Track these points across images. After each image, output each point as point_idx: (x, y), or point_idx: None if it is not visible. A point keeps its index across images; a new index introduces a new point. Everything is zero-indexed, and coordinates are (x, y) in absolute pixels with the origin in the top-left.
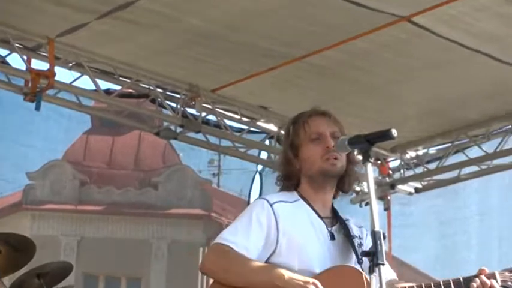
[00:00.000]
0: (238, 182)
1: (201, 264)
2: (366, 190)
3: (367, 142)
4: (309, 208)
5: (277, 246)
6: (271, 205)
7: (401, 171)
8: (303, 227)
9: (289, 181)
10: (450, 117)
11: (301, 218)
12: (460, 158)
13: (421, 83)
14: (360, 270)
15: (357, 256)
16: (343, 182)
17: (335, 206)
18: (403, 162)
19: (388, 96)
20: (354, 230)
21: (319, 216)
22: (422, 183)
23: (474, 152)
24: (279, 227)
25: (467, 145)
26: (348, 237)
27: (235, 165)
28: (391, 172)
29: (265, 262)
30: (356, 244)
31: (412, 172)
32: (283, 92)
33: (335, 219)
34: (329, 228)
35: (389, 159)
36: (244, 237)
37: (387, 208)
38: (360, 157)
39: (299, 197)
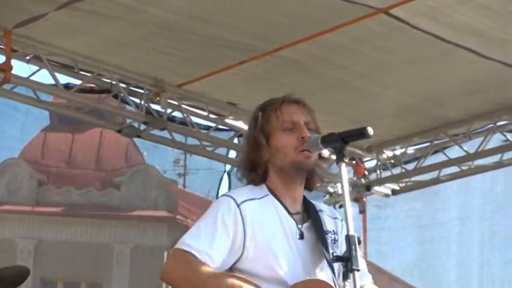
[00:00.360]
0: (205, 182)
1: (162, 271)
2: (340, 191)
3: (341, 141)
4: (279, 204)
5: (244, 251)
6: (238, 205)
7: (378, 171)
8: (271, 228)
9: (256, 172)
10: (429, 115)
11: (269, 217)
12: (439, 158)
13: (399, 79)
14: (332, 285)
15: (327, 251)
16: (309, 178)
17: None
18: (379, 163)
19: (364, 93)
20: (328, 224)
21: (289, 213)
22: (400, 184)
23: (454, 152)
24: (246, 231)
25: (447, 145)
26: (321, 234)
27: (202, 165)
28: (366, 173)
29: (231, 268)
30: (330, 241)
31: (389, 173)
32: (253, 87)
33: (307, 214)
34: (299, 226)
35: (365, 159)
36: (208, 243)
37: (362, 211)
38: (333, 156)
39: (268, 192)
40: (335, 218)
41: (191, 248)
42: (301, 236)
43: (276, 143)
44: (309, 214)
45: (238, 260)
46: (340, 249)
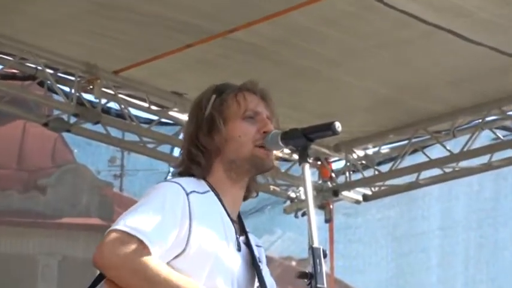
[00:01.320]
0: (146, 185)
1: (98, 254)
2: (302, 197)
3: (304, 138)
4: (220, 204)
5: (186, 248)
6: (187, 194)
7: (347, 174)
8: (215, 230)
9: (199, 163)
10: (407, 108)
11: (213, 217)
12: (418, 158)
13: (373, 66)
14: None
15: (260, 282)
16: (250, 184)
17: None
18: (348, 164)
19: (332, 83)
20: (254, 249)
21: (230, 218)
22: (372, 189)
23: (436, 152)
24: (192, 225)
25: (428, 143)
26: (252, 255)
27: (142, 165)
28: (333, 175)
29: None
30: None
31: (360, 175)
32: (202, 75)
33: (242, 226)
34: (237, 236)
35: (332, 160)
36: (159, 231)
37: (329, 219)
38: (295, 156)
39: (208, 188)
40: (258, 246)
41: (140, 234)
42: (239, 249)
43: (233, 130)
44: (243, 227)
45: (177, 256)
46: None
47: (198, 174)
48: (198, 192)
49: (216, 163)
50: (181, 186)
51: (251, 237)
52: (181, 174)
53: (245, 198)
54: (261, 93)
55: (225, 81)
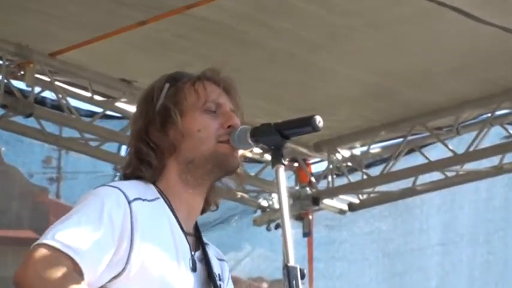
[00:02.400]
0: (89, 190)
1: (22, 272)
2: (276, 206)
3: (279, 135)
4: (171, 214)
5: (125, 267)
6: (129, 203)
7: (329, 178)
8: (164, 246)
9: (150, 163)
10: (401, 100)
11: (163, 231)
12: (415, 160)
13: (362, 50)
14: None
15: None
16: (209, 193)
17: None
18: (331, 166)
19: (314, 70)
20: (214, 265)
21: (183, 231)
22: (360, 196)
23: (436, 152)
24: (134, 240)
25: (427, 141)
26: (210, 274)
27: (83, 167)
28: (313, 180)
29: None
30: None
31: (345, 180)
32: (156, 58)
33: (199, 240)
34: (192, 253)
35: (312, 161)
36: (95, 250)
37: (307, 233)
38: (267, 157)
39: (158, 194)
40: (221, 260)
41: (73, 252)
42: (194, 268)
43: (191, 124)
44: (200, 241)
45: (115, 278)
46: None
47: (148, 177)
48: (144, 200)
49: (170, 164)
50: (122, 192)
51: (210, 249)
52: (128, 177)
53: (203, 211)
54: (224, 84)
55: (184, 66)
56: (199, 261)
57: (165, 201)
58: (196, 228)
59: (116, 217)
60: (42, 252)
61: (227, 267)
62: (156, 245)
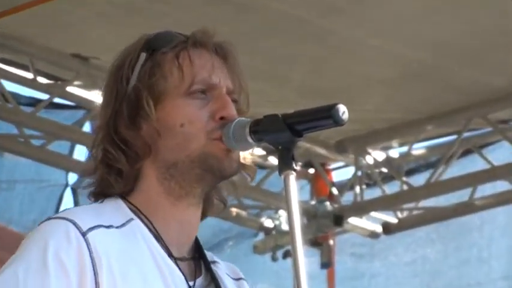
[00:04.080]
0: (31, 205)
1: None
2: (284, 227)
3: (289, 130)
4: (152, 239)
5: None
6: (83, 234)
7: (357, 189)
8: (145, 282)
9: (119, 171)
10: (454, 83)
11: (141, 262)
12: (473, 164)
13: (396, 14)
14: None
15: None
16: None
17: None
18: (359, 173)
19: (330, 41)
20: (229, 285)
21: (171, 257)
22: (399, 214)
23: (502, 154)
24: (99, 282)
25: (488, 139)
26: None
27: (23, 173)
28: (335, 192)
29: None
30: None
31: (378, 192)
32: (123, 27)
33: (199, 264)
34: (190, 283)
35: (333, 166)
36: None
37: (327, 264)
38: (273, 161)
39: (131, 214)
40: (238, 279)
41: None
42: None
43: (171, 116)
44: (204, 264)
45: None
46: None
47: (119, 190)
48: (108, 227)
49: (146, 169)
50: (72, 222)
51: (220, 269)
52: (96, 195)
53: (203, 215)
54: (221, 51)
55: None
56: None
57: (143, 222)
58: (198, 247)
59: (67, 259)
60: None
61: (246, 285)
62: (133, 282)
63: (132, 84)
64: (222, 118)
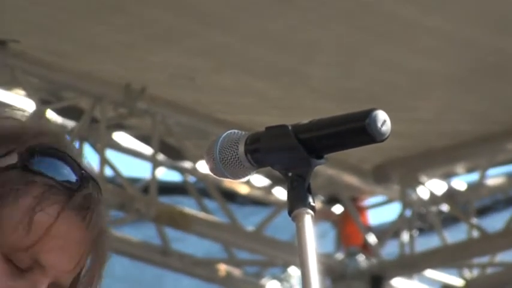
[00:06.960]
0: None
1: None
2: None
3: (303, 149)
4: None
5: None
6: None
7: (404, 237)
8: None
9: None
10: None
11: None
12: None
13: None
14: None
15: None
16: None
17: None
18: (408, 213)
19: (360, 23)
20: None
21: None
22: (468, 272)
23: None
24: None
25: None
26: None
27: None
28: (373, 241)
29: None
30: None
31: (436, 240)
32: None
33: None
34: None
35: (370, 203)
36: None
37: None
38: (278, 195)
39: None
40: None
41: None
42: None
43: None
44: None
45: None
46: None
47: None
48: None
49: None
50: None
51: None
52: None
53: None
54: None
55: (124, 29)
56: None
57: None
58: None
59: None
60: None
61: None
62: None
63: None
64: None
